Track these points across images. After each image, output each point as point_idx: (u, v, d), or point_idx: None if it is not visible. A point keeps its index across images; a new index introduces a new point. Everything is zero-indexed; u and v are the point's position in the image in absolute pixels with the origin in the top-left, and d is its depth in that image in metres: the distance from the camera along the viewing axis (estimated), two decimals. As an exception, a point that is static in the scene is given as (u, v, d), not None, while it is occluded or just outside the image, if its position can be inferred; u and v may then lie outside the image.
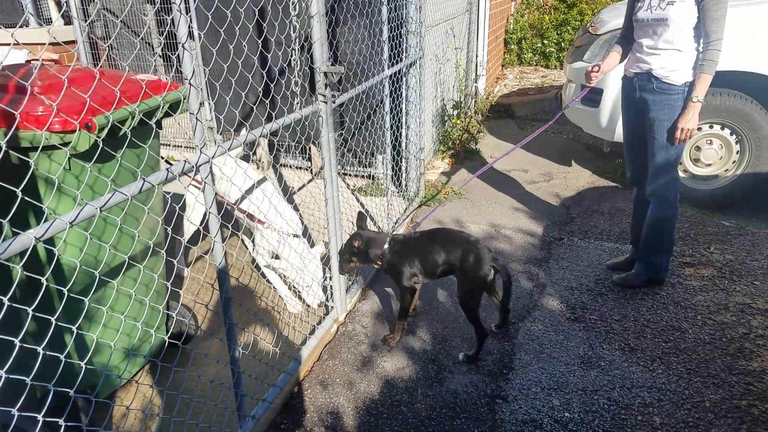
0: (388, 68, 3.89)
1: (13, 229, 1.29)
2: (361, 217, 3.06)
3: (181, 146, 5.92)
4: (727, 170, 4.37)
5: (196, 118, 1.73)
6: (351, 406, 2.60)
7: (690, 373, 2.71)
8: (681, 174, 4.52)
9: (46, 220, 1.32)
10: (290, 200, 4.68)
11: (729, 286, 3.38)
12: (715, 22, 2.78)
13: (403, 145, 4.56)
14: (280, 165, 5.41)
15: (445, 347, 2.98)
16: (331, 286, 3.16)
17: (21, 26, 5.42)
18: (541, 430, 2.42)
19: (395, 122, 4.38)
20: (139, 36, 5.47)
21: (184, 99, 2.27)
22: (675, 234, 3.33)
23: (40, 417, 1.33)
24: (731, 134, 4.28)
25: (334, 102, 2.73)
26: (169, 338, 2.28)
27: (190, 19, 4.66)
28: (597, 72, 3.30)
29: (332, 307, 3.19)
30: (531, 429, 2.43)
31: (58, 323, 1.45)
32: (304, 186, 5.02)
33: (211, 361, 2.71)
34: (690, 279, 3.49)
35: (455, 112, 6.02)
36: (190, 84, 1.72)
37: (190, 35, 1.90)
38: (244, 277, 3.55)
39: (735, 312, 3.13)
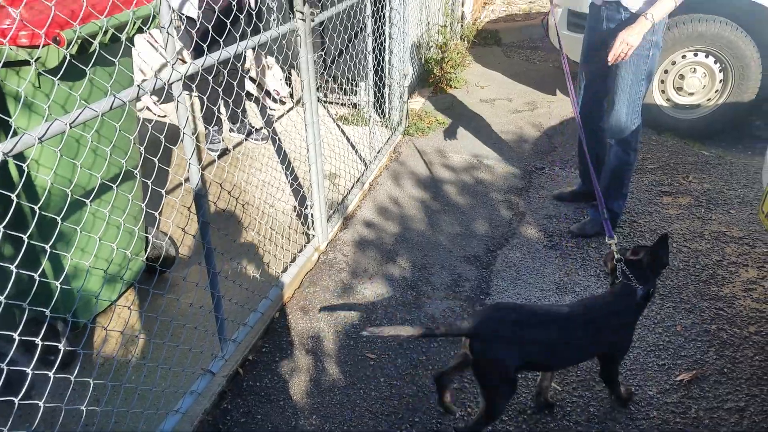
0: (371, -13, 3.72)
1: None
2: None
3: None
4: (709, 99, 4.35)
5: (168, 33, 1.64)
6: (331, 330, 2.64)
7: (662, 298, 2.79)
8: (663, 103, 4.49)
9: (14, 136, 1.27)
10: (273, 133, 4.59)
11: (705, 215, 3.43)
12: None
13: (386, 70, 4.42)
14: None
15: (425, 274, 3.01)
16: (312, 214, 3.13)
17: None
18: (516, 351, 2.49)
19: (377, 45, 4.23)
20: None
21: (156, 14, 2.15)
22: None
23: (15, 336, 1.32)
24: (715, 62, 4.23)
25: (313, 20, 2.61)
26: (147, 261, 2.26)
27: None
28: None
29: (313, 235, 3.18)
30: (507, 350, 2.50)
31: (31, 242, 1.42)
32: (284, 115, 4.90)
33: (191, 286, 2.71)
34: (667, 207, 3.54)
35: (440, 38, 5.84)
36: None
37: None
38: (222, 203, 3.51)
39: (710, 240, 3.20)
